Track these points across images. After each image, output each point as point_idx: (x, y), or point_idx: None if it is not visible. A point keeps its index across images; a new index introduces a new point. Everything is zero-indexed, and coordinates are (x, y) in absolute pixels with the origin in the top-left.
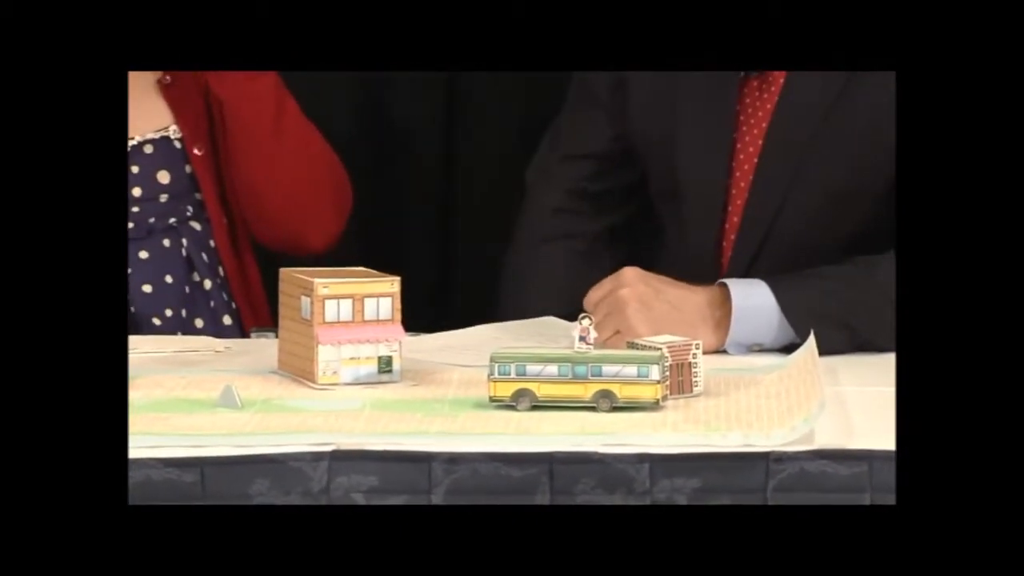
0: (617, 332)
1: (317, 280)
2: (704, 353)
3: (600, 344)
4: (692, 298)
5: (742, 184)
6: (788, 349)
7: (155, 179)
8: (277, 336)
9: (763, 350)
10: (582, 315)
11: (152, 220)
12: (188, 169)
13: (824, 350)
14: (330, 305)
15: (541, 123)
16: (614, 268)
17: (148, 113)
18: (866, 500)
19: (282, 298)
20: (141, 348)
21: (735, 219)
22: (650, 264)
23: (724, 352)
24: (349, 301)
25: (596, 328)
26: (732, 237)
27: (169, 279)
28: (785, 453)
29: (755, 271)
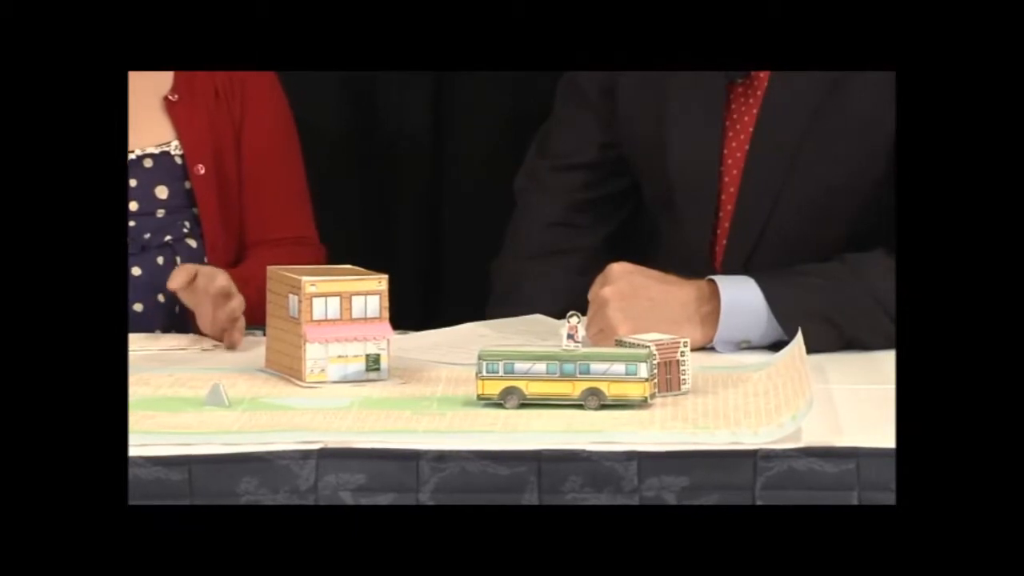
0: (601, 330)
1: (305, 278)
2: (691, 350)
3: (587, 342)
4: (677, 294)
5: (731, 189)
6: (776, 347)
7: (153, 194)
8: (264, 334)
9: (751, 347)
10: (570, 313)
11: (147, 236)
12: (187, 185)
13: (811, 347)
14: (318, 303)
15: (529, 121)
16: None
17: (150, 127)
18: (854, 498)
19: (269, 296)
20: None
21: (726, 224)
22: (645, 265)
23: (712, 350)
24: (337, 299)
25: (591, 341)
26: (724, 242)
27: (161, 298)
28: (773, 451)
29: (749, 272)
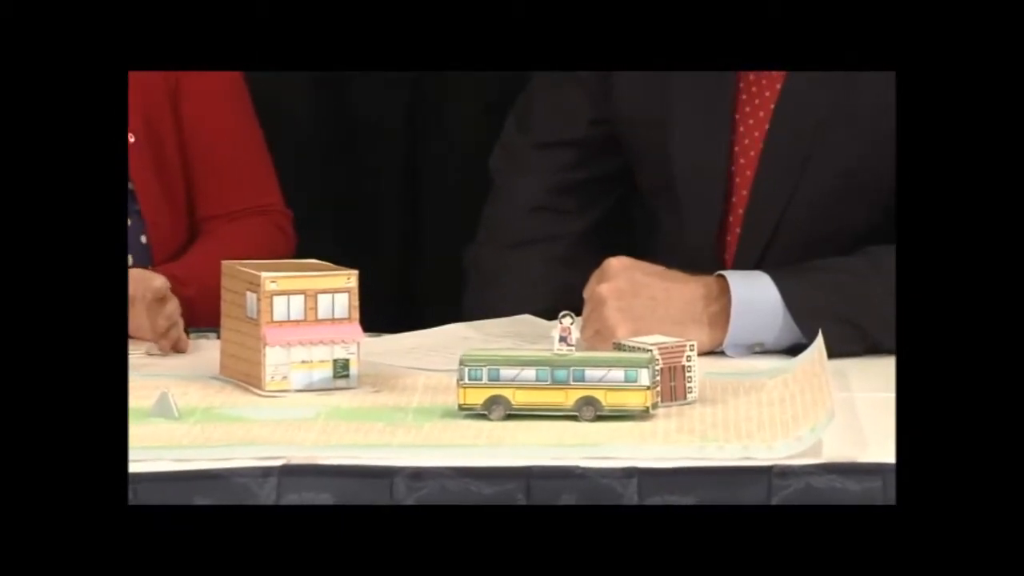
0: (597, 332)
1: (264, 274)
2: (698, 354)
3: (581, 345)
4: (682, 292)
5: (748, 172)
6: (793, 351)
7: None
8: (219, 337)
9: (765, 351)
10: (563, 313)
11: None
12: None
13: (833, 351)
14: (279, 302)
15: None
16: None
17: None
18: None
19: (224, 294)
20: None
21: (740, 210)
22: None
23: (721, 353)
24: (300, 297)
25: (587, 343)
26: (737, 230)
27: None
28: (789, 467)
29: (764, 267)
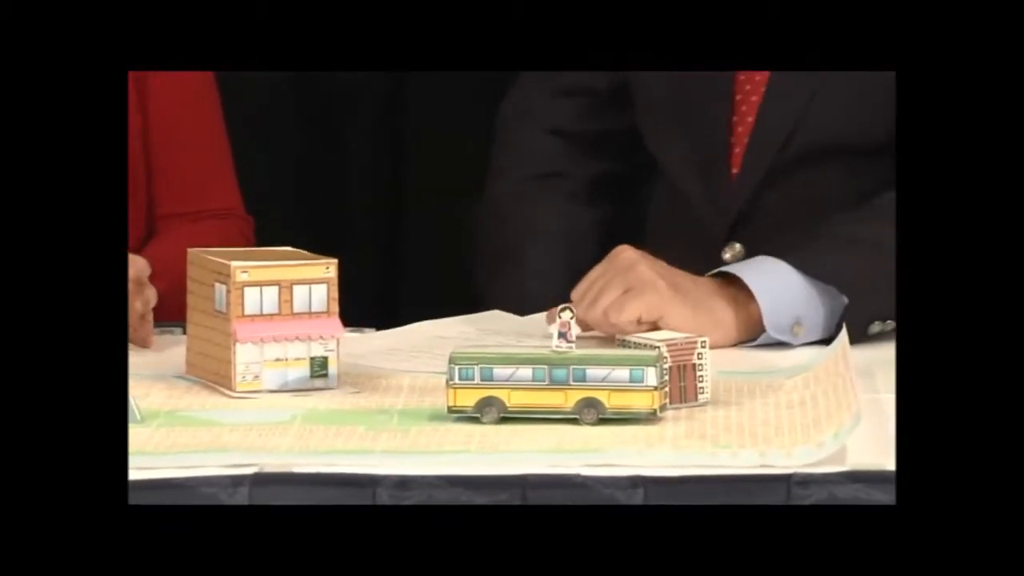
0: (629, 290)
1: (234, 263)
2: (737, 340)
3: (578, 341)
4: (699, 279)
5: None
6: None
7: None
8: (184, 333)
9: (810, 343)
10: (561, 307)
11: None
12: None
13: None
14: (251, 294)
15: (495, 99)
16: (613, 217)
17: None
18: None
19: (191, 285)
20: None
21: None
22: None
23: (735, 351)
24: (274, 289)
25: (610, 310)
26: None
27: None
28: (811, 475)
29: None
